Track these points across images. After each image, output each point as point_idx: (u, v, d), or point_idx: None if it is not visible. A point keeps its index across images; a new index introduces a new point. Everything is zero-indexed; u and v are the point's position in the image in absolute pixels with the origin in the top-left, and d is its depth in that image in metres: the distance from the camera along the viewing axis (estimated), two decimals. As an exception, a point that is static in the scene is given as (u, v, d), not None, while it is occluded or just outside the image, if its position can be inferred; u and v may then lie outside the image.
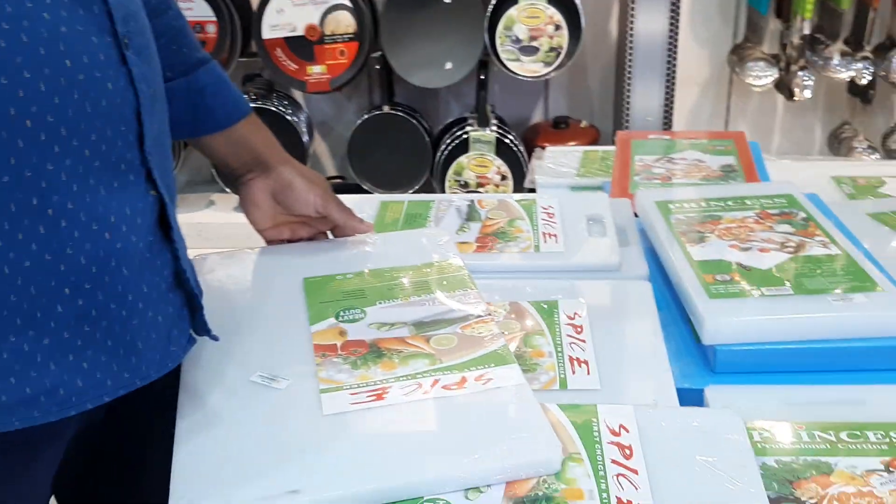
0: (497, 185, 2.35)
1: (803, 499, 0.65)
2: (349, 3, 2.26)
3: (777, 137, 2.56)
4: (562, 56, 2.22)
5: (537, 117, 2.64)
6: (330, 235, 1.00)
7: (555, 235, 1.02)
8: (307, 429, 0.69)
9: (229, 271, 0.93)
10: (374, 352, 0.77)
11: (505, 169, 2.34)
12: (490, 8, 2.22)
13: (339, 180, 2.70)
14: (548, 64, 2.24)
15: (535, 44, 2.22)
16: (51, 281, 0.61)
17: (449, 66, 2.27)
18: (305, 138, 2.43)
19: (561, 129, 2.45)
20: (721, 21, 2.45)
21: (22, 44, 0.57)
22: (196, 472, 0.64)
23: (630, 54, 2.25)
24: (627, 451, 0.65)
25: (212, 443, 0.67)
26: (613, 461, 0.64)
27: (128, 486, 0.90)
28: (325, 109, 2.68)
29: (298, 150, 2.41)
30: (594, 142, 2.40)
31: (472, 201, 1.12)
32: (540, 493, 0.61)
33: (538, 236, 1.02)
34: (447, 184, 2.37)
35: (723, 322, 0.80)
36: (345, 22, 2.28)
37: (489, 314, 0.82)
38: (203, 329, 0.75)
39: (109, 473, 0.90)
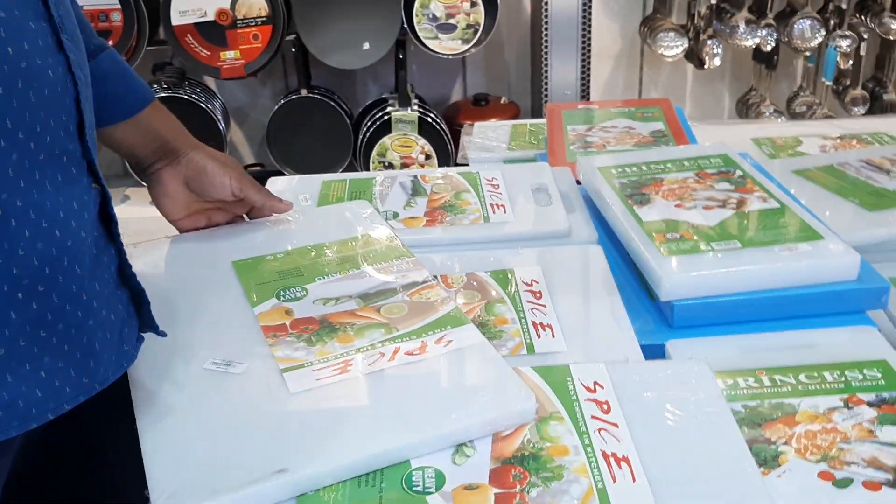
0: (422, 165, 2.35)
1: (773, 439, 0.67)
2: (260, -14, 2.21)
3: (688, 105, 2.64)
4: (479, 33, 2.23)
5: (456, 95, 2.65)
6: (247, 219, 0.98)
7: (502, 206, 1.03)
8: (277, 409, 0.67)
9: (151, 261, 0.89)
10: (326, 327, 0.76)
11: (429, 148, 2.34)
12: (406, -14, 2.21)
13: (258, 167, 2.65)
14: (466, 41, 2.24)
15: (452, 21, 2.22)
16: (3, 286, 0.57)
17: (366, 46, 2.25)
18: (222, 126, 2.38)
19: (481, 106, 2.47)
20: (631, -7, 2.51)
21: None
22: (171, 465, 0.62)
23: (546, 30, 2.28)
24: (605, 407, 0.66)
25: (180, 435, 0.65)
26: (593, 417, 0.65)
27: (84, 489, 0.87)
28: (239, 96, 2.62)
29: (215, 139, 2.35)
30: (515, 117, 2.42)
31: (416, 176, 1.11)
32: (526, 453, 0.62)
33: (486, 207, 1.02)
34: (371, 166, 2.36)
35: (678, 278, 0.82)
36: (257, 5, 2.23)
37: (433, 278, 0.83)
38: (150, 325, 0.72)
39: (60, 478, 0.86)
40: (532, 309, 0.83)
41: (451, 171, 1.14)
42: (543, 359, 0.76)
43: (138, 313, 0.71)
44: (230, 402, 0.69)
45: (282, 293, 0.82)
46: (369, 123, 2.38)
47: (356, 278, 0.84)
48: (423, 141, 2.34)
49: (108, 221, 0.67)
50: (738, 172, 1.01)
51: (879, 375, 0.74)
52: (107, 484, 0.88)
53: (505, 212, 1.01)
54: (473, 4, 2.21)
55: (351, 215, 0.98)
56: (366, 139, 2.36)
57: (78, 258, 0.61)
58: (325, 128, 2.41)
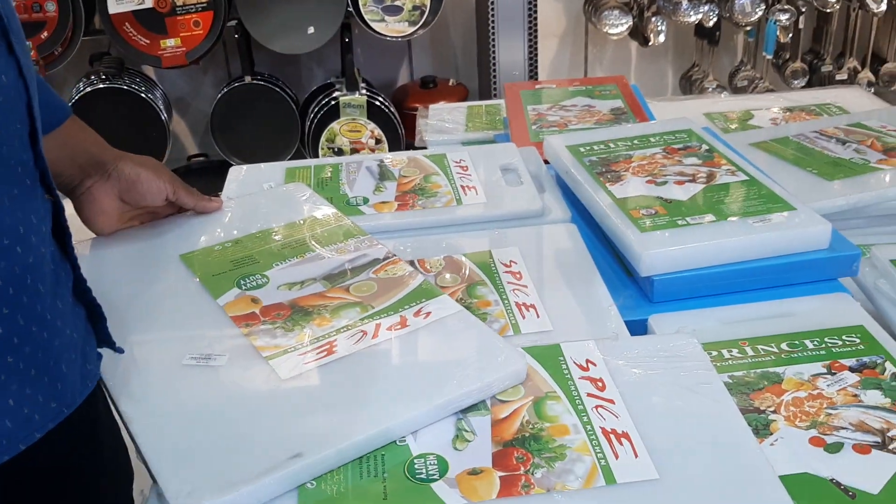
0: (372, 150, 2.32)
1: (762, 408, 0.68)
2: (199, -29, 2.15)
3: (632, 83, 2.66)
4: (426, 14, 2.22)
5: (403, 79, 2.63)
6: None
7: (473, 188, 1.02)
8: (272, 397, 0.66)
9: (93, 265, 0.83)
10: (298, 311, 0.75)
11: (378, 132, 2.32)
12: (350, -31, 2.18)
13: (202, 158, 2.59)
14: (412, 23, 2.22)
15: (398, 3, 2.20)
16: None
17: (311, 30, 2.22)
18: (164, 117, 2.31)
19: (429, 88, 2.45)
20: (574, -28, 2.51)
21: None
22: (179, 465, 0.59)
23: (493, 11, 2.27)
24: (600, 384, 0.66)
25: (179, 434, 0.63)
26: (589, 394, 0.65)
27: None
28: (180, 85, 2.56)
29: (158, 130, 2.29)
30: (463, 99, 2.42)
31: (382, 160, 1.10)
32: (527, 434, 0.62)
33: (457, 190, 1.01)
34: (320, 152, 2.33)
35: (657, 253, 0.82)
36: (197, -10, 2.17)
37: (393, 254, 0.83)
38: (107, 341, 0.69)
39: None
40: (514, 290, 0.83)
41: (417, 154, 1.12)
42: (530, 339, 0.76)
43: (95, 329, 0.68)
44: (221, 394, 0.67)
45: (242, 282, 0.80)
46: (316, 109, 2.34)
47: (314, 260, 0.83)
48: (372, 125, 2.31)
49: (62, 235, 0.64)
50: (705, 147, 1.02)
51: (858, 340, 0.76)
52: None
53: (477, 193, 1.01)
54: (419, -14, 2.19)
55: (290, 199, 0.97)
56: (313, 125, 2.33)
57: (40, 276, 0.58)
58: (270, 115, 2.37)
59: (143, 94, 2.26)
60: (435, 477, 0.59)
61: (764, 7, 2.34)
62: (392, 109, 2.34)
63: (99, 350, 0.68)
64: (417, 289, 0.77)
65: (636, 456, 0.59)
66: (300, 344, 0.71)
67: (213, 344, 0.72)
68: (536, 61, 2.35)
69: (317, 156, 2.34)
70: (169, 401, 0.67)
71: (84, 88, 2.23)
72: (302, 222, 0.91)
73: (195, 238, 0.89)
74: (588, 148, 1.05)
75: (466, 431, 0.63)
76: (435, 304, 0.75)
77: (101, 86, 2.23)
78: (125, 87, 2.25)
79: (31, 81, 0.59)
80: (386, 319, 0.73)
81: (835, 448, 0.64)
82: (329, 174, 1.07)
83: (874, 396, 0.69)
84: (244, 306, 0.77)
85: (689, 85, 2.56)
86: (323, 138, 2.32)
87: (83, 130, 0.85)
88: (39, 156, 0.60)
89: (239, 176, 1.08)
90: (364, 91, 2.31)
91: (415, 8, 2.21)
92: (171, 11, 2.17)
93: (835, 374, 0.72)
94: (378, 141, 2.32)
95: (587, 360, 0.69)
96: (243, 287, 0.80)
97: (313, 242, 0.86)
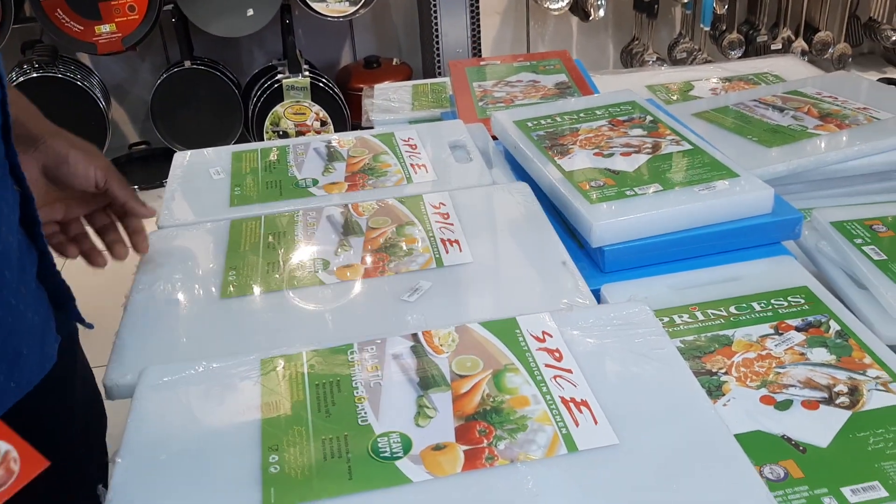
0: (318, 132, 2.30)
1: (714, 370, 0.70)
2: (132, -46, 2.10)
3: (574, 57, 2.68)
4: (367, -7, 2.20)
5: (346, 59, 2.61)
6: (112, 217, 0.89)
7: (423, 166, 1.02)
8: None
9: None
10: None
11: (324, 114, 2.30)
12: (286, -52, 2.14)
13: (143, 146, 2.54)
14: (354, 3, 2.20)
15: (338, -17, 2.18)
16: None
17: (251, 12, 2.18)
18: (102, 104, 2.26)
19: (373, 68, 2.44)
20: (513, -51, 2.52)
21: None
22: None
23: (434, -12, 2.26)
24: (557, 355, 0.67)
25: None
26: (547, 365, 0.66)
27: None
28: (117, 72, 2.50)
29: (96, 118, 2.24)
30: (407, 78, 2.41)
31: (329, 141, 1.09)
32: (488, 408, 0.63)
33: (407, 168, 1.01)
34: (265, 135, 2.30)
35: (607, 224, 0.83)
36: (130, -26, 2.12)
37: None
38: (77, 318, 0.70)
39: None
40: (441, 227, 0.87)
41: (365, 133, 1.12)
42: (451, 272, 0.81)
43: (63, 309, 0.69)
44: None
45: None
46: (259, 93, 2.31)
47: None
48: (317, 107, 2.29)
49: (31, 224, 0.65)
50: (649, 118, 1.04)
51: (803, 301, 0.78)
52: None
53: (427, 171, 1.01)
54: (358, -36, 2.17)
55: None
56: (257, 109, 2.30)
57: (7, 264, 0.59)
58: (212, 99, 2.33)
59: (78, 83, 2.21)
60: (399, 455, 0.59)
61: (700, -21, 2.37)
62: (336, 90, 2.33)
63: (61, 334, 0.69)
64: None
65: (596, 423, 0.60)
66: None
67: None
68: (479, 39, 2.35)
69: (262, 140, 2.31)
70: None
71: (17, 78, 2.16)
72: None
73: None
74: (535, 122, 1.05)
75: (428, 408, 0.63)
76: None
77: (35, 75, 2.17)
78: (60, 76, 2.19)
79: (4, 81, 0.60)
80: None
81: (784, 405, 0.66)
82: (276, 157, 1.06)
83: (820, 354, 0.71)
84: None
85: (629, 58, 2.59)
86: (267, 122, 2.29)
87: (21, 104, 0.81)
88: (10, 148, 0.60)
89: (183, 162, 1.07)
90: (307, 73, 2.28)
91: (355, -13, 2.19)
92: (105, -4, 2.11)
93: (782, 334, 0.74)
94: (323, 123, 2.31)
95: (543, 332, 0.70)
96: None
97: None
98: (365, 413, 0.63)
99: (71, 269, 1.02)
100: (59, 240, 0.84)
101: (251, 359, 0.69)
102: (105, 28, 2.14)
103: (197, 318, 0.78)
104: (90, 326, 0.71)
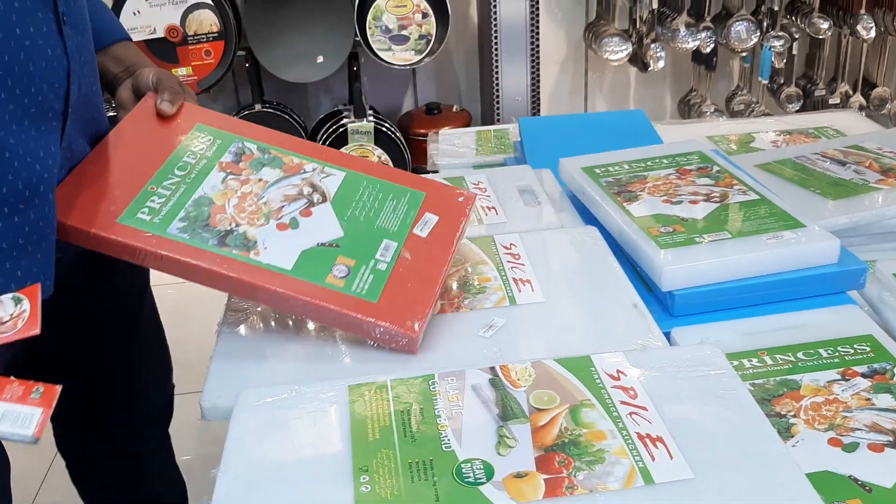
0: (379, 175, 2.37)
1: (783, 412, 0.73)
2: (210, 2, 2.21)
3: (632, 107, 2.73)
4: (431, 43, 2.27)
5: (407, 105, 2.68)
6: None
7: (493, 208, 1.06)
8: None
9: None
10: None
11: (385, 158, 2.37)
12: (357, -1, 2.23)
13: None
14: (419, 52, 2.28)
15: (404, 32, 2.26)
16: None
17: (321, 59, 2.27)
18: (175, 144, 2.36)
19: (434, 114, 2.51)
20: (574, 0, 2.58)
21: None
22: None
23: (496, 38, 2.33)
24: (632, 393, 0.70)
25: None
26: (622, 402, 0.69)
27: (105, 367, 1.05)
28: (189, 113, 2.60)
29: (169, 157, 2.33)
30: (466, 124, 2.47)
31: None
32: (566, 440, 0.66)
33: (477, 210, 1.06)
34: (329, 177, 2.37)
35: (678, 269, 0.87)
36: (208, 21, 2.22)
37: None
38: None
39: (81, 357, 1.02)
40: (512, 267, 0.92)
41: (436, 177, 1.17)
42: (524, 310, 0.86)
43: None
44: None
45: None
46: (324, 136, 2.39)
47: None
48: (379, 151, 2.36)
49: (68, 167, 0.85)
50: (716, 168, 1.07)
51: (868, 349, 0.80)
52: (132, 372, 1.08)
53: (497, 213, 1.05)
54: (425, 15, 2.25)
55: None
56: (322, 151, 2.38)
57: (51, 187, 0.78)
58: (279, 141, 2.41)
59: (154, 122, 2.31)
60: (482, 480, 0.62)
61: (759, 34, 2.41)
62: (398, 135, 2.40)
63: None
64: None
65: (671, 458, 0.63)
66: None
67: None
68: (539, 87, 2.41)
69: (325, 181, 2.38)
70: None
71: (97, 117, 2.27)
72: None
73: None
74: (603, 169, 1.09)
75: (508, 438, 0.67)
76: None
77: (112, 113, 2.27)
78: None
79: (76, 58, 0.81)
80: None
81: (851, 448, 0.68)
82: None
83: (885, 400, 0.73)
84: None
85: (687, 109, 2.62)
86: (331, 164, 2.37)
87: (133, 52, 1.02)
88: (67, 108, 0.80)
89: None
90: (371, 118, 2.36)
91: (421, 37, 2.27)
92: (183, 41, 2.22)
93: (848, 379, 0.76)
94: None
95: (617, 371, 0.73)
96: None
97: None
98: (448, 440, 0.67)
99: (166, 301, 1.10)
100: None
101: (339, 384, 0.73)
102: (182, 71, 2.24)
103: (286, 343, 0.83)
104: None
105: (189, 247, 0.82)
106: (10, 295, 0.71)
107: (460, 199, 0.91)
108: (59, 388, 0.66)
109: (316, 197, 0.89)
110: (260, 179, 0.90)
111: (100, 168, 0.88)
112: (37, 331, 0.68)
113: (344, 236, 0.85)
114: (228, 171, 0.90)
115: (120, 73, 1.01)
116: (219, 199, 0.87)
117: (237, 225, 0.85)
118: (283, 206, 0.87)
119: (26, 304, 0.70)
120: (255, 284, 0.81)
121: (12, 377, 0.66)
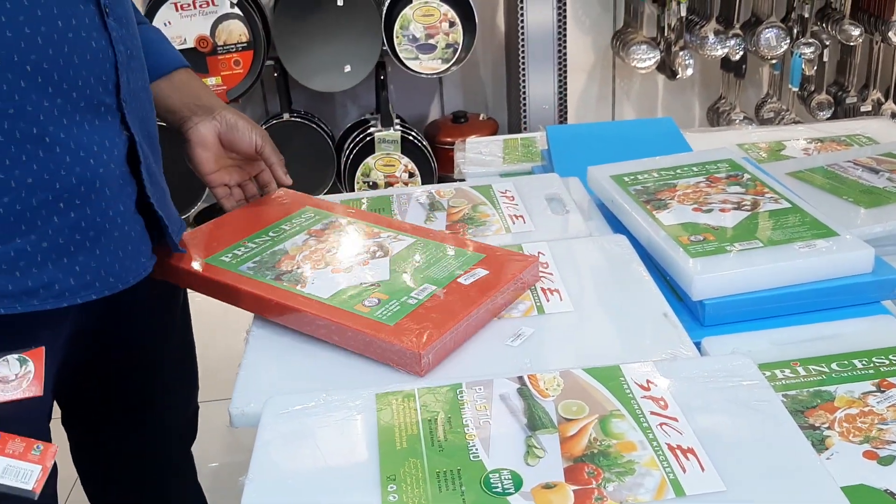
0: (406, 183, 2.37)
1: (817, 424, 0.71)
2: (240, 12, 2.23)
3: (660, 115, 2.72)
4: (458, 51, 2.28)
5: (434, 114, 2.69)
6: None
7: (521, 217, 1.06)
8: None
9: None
10: None
11: (412, 166, 2.37)
12: (384, 8, 2.24)
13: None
14: (446, 60, 2.28)
15: (431, 41, 2.26)
16: (48, 195, 0.75)
17: (348, 68, 2.28)
18: (204, 153, 2.38)
19: (461, 123, 2.51)
20: (601, 8, 2.57)
21: (24, 6, 0.71)
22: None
23: (523, 47, 2.33)
24: (662, 403, 0.69)
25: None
26: (652, 413, 0.68)
27: (132, 381, 1.04)
28: (218, 122, 2.63)
29: (198, 166, 2.36)
30: (493, 133, 2.47)
31: (431, 192, 1.14)
32: (596, 451, 0.65)
33: (505, 219, 1.06)
34: (356, 186, 2.38)
35: (708, 278, 0.85)
36: (237, 31, 2.24)
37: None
38: (174, 246, 0.92)
39: (109, 369, 1.01)
40: (541, 276, 0.92)
41: (464, 185, 1.17)
42: (552, 319, 0.85)
43: (157, 237, 0.89)
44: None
45: None
46: (351, 145, 2.40)
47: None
48: (406, 159, 2.37)
49: (134, 161, 0.84)
50: (746, 176, 1.06)
51: (905, 360, 0.79)
52: (156, 381, 1.06)
53: (524, 222, 1.05)
54: (452, 24, 2.25)
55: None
56: (349, 160, 2.39)
57: (108, 183, 0.79)
58: (307, 150, 2.43)
59: (183, 132, 2.34)
60: (511, 491, 0.62)
61: (789, 41, 2.39)
62: (425, 143, 2.40)
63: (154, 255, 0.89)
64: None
65: (703, 469, 0.62)
66: None
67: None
68: (566, 95, 2.40)
69: (352, 190, 2.39)
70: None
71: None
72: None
73: None
74: (632, 177, 1.08)
75: (536, 448, 0.66)
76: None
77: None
78: (166, 125, 2.32)
79: (122, 51, 0.80)
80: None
81: (887, 461, 0.67)
82: (382, 207, 1.12)
83: (924, 413, 0.72)
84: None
85: (716, 117, 2.60)
86: (359, 172, 2.38)
87: (196, 80, 1.02)
88: (121, 101, 0.80)
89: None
90: (398, 127, 2.37)
91: (448, 46, 2.27)
92: (213, 51, 2.24)
93: (884, 391, 0.75)
94: (411, 174, 2.38)
95: (647, 381, 0.72)
96: None
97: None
98: (476, 449, 0.66)
99: (195, 310, 1.11)
100: (224, 193, 1.05)
101: (367, 393, 0.73)
102: (211, 80, 2.27)
103: (315, 351, 0.83)
104: (180, 250, 0.92)
105: (234, 273, 0.90)
106: (15, 355, 0.73)
107: (519, 260, 0.90)
108: (55, 447, 0.71)
109: (378, 253, 0.93)
110: (337, 240, 0.97)
111: (214, 226, 1.01)
112: (39, 393, 0.73)
113: (389, 279, 0.88)
114: (313, 235, 0.99)
115: (185, 108, 0.99)
116: (293, 252, 0.95)
117: (298, 268, 0.91)
118: (346, 258, 0.93)
119: (31, 366, 0.73)
120: (282, 304, 0.85)
121: (14, 434, 0.70)
